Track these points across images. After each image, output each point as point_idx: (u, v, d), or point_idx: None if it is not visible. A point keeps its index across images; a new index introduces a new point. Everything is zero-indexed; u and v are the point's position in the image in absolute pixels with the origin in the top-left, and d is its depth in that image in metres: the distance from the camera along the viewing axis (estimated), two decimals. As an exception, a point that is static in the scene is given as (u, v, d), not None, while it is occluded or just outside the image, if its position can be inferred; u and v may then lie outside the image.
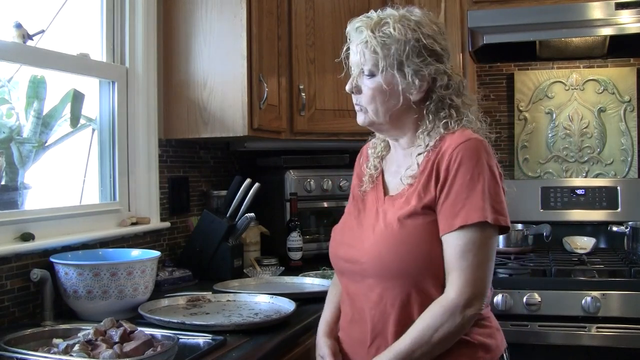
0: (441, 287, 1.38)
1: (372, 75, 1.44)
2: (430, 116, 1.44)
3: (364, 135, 1.66)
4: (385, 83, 1.42)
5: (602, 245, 3.10)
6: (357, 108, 1.50)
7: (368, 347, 1.43)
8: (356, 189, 1.59)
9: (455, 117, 1.44)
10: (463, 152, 1.37)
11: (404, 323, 1.38)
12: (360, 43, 1.44)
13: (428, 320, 1.34)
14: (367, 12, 1.50)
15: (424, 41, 1.41)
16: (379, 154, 1.58)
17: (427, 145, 1.43)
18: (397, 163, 1.53)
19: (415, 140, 1.48)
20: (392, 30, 1.41)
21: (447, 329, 1.33)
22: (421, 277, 1.38)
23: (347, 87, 1.49)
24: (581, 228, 3.11)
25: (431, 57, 1.42)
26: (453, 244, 1.35)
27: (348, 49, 1.50)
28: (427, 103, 1.45)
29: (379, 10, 1.46)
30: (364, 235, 1.46)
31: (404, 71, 1.41)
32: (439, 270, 1.38)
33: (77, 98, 2.22)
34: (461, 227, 1.34)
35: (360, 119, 1.50)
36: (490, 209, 1.34)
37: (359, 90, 1.47)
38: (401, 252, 1.37)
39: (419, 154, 1.44)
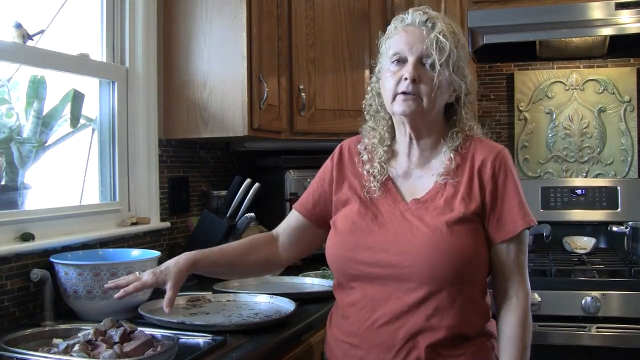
0: (481, 291, 1.49)
1: (433, 68, 1.44)
2: (464, 118, 1.52)
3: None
4: (448, 78, 1.46)
5: (602, 245, 3.10)
6: (405, 97, 1.45)
7: (397, 351, 1.42)
8: (357, 190, 1.54)
9: (476, 121, 1.56)
10: (503, 162, 1.48)
11: (444, 325, 1.40)
12: (437, 33, 1.43)
13: (517, 329, 1.44)
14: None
15: (466, 48, 1.50)
16: (382, 158, 1.55)
17: (456, 145, 1.50)
18: (410, 166, 1.53)
19: (440, 141, 1.52)
20: (455, 31, 1.47)
21: (530, 328, 1.47)
22: (469, 281, 1.44)
23: (411, 74, 1.43)
24: (581, 228, 3.11)
25: (467, 64, 1.51)
26: (509, 250, 1.47)
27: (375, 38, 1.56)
28: (459, 105, 1.52)
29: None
30: (399, 239, 1.44)
31: (460, 72, 1.47)
32: (483, 275, 1.49)
33: (77, 98, 2.22)
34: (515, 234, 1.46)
35: (410, 106, 1.44)
36: (529, 212, 1.47)
37: (419, 79, 1.44)
38: (454, 258, 1.39)
39: (450, 151, 1.49)
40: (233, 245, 1.74)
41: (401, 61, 1.46)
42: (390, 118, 1.56)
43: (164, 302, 1.48)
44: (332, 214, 1.59)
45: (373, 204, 1.51)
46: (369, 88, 1.62)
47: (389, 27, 1.54)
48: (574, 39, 2.90)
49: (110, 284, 1.52)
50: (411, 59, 1.45)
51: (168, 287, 1.50)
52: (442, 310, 1.40)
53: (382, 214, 1.49)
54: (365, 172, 1.55)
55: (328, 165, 1.65)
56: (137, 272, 1.55)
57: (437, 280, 1.39)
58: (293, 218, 1.69)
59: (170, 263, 1.56)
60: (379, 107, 1.58)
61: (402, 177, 1.54)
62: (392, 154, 1.57)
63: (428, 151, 1.53)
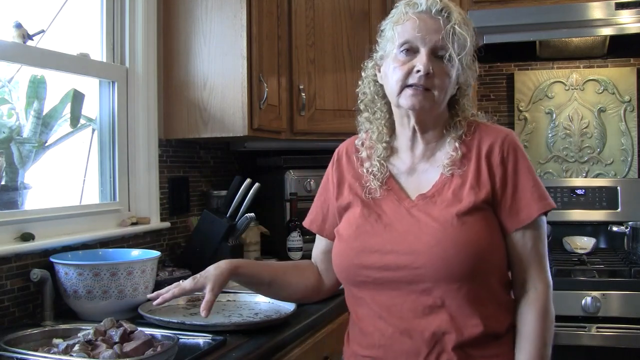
0: (503, 284, 1.40)
1: (449, 60, 1.35)
2: (466, 106, 1.44)
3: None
4: (458, 71, 1.38)
5: (602, 245, 3.10)
6: (415, 90, 1.35)
7: (425, 357, 1.33)
8: (358, 192, 1.45)
9: (473, 107, 1.47)
10: (511, 145, 1.39)
11: (470, 324, 1.32)
12: (454, 25, 1.34)
13: (535, 324, 1.36)
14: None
15: (475, 38, 1.41)
16: (380, 155, 1.45)
17: (459, 134, 1.41)
18: (414, 160, 1.44)
19: (444, 131, 1.44)
20: (467, 21, 1.38)
21: (551, 323, 1.38)
22: (488, 274, 1.35)
23: (426, 67, 1.33)
24: (581, 228, 3.11)
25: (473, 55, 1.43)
26: (525, 239, 1.38)
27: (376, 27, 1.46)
28: (461, 95, 1.44)
29: None
30: (408, 238, 1.34)
31: (469, 65, 1.40)
32: (503, 267, 1.40)
33: (77, 98, 2.22)
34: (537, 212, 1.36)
35: (420, 101, 1.35)
36: (545, 195, 1.38)
37: (433, 72, 1.35)
38: (469, 251, 1.30)
39: (455, 140, 1.41)
40: (278, 262, 1.68)
41: (411, 51, 1.36)
42: (389, 110, 1.47)
43: (202, 305, 1.41)
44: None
45: (376, 204, 1.42)
46: (363, 74, 1.51)
47: (396, 11, 1.42)
48: (574, 39, 2.89)
49: (153, 294, 1.48)
50: (424, 50, 1.34)
51: (207, 289, 1.42)
52: (464, 308, 1.31)
53: (387, 213, 1.40)
54: (364, 171, 1.47)
55: (328, 172, 1.56)
56: (180, 281, 1.49)
57: (454, 277, 1.30)
58: (318, 242, 1.60)
59: (212, 267, 1.48)
60: (375, 96, 1.48)
61: (406, 174, 1.44)
62: (391, 150, 1.47)
63: (433, 143, 1.43)
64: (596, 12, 2.70)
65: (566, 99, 3.27)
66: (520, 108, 3.32)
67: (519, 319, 1.39)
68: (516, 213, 1.37)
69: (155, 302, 1.47)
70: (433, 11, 1.36)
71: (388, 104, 1.46)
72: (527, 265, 1.39)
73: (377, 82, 1.47)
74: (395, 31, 1.39)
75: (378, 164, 1.45)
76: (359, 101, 1.52)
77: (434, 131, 1.43)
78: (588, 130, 3.25)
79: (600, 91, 3.23)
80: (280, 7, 2.61)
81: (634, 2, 2.65)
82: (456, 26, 1.35)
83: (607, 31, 2.72)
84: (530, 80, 3.31)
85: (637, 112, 3.19)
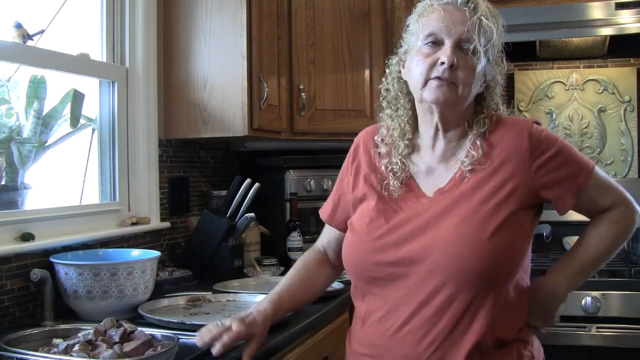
0: (516, 288, 1.35)
1: (474, 54, 1.31)
2: (494, 105, 1.40)
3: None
4: (483, 65, 1.33)
5: (602, 245, 3.09)
6: (439, 82, 1.31)
7: None
8: (374, 184, 1.43)
9: (501, 103, 1.43)
10: (536, 136, 1.35)
11: (476, 329, 1.27)
12: (481, 16, 1.31)
13: (607, 226, 1.43)
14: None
15: (504, 34, 1.38)
16: (402, 153, 1.42)
17: (482, 132, 1.37)
18: (433, 159, 1.41)
19: (466, 128, 1.39)
20: (495, 14, 1.35)
21: (628, 229, 1.46)
22: (502, 277, 1.30)
23: (450, 59, 1.29)
24: (581, 228, 3.08)
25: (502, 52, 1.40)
26: (587, 195, 1.39)
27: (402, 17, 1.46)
28: (489, 94, 1.40)
29: None
30: (423, 233, 1.31)
31: (496, 61, 1.37)
32: (518, 269, 1.35)
33: (77, 98, 2.22)
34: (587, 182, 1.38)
35: (444, 92, 1.31)
36: (584, 159, 1.40)
37: (457, 65, 1.31)
38: (484, 250, 1.26)
39: (476, 138, 1.37)
40: (295, 283, 1.56)
41: (436, 43, 1.33)
42: (412, 107, 1.43)
43: (246, 351, 1.39)
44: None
45: (392, 200, 1.39)
46: (387, 71, 1.47)
47: (422, 4, 1.39)
48: (574, 39, 2.90)
49: (206, 339, 1.39)
50: (448, 42, 1.31)
51: (253, 341, 1.41)
52: (471, 312, 1.27)
53: (403, 210, 1.36)
54: (382, 167, 1.43)
55: (345, 163, 1.54)
56: (218, 322, 1.42)
57: (465, 277, 1.26)
58: (329, 230, 1.59)
59: (258, 316, 1.44)
60: (398, 93, 1.45)
61: (425, 173, 1.41)
62: (413, 148, 1.43)
63: (454, 142, 1.39)
64: (596, 12, 2.70)
65: (566, 99, 3.27)
66: (520, 108, 3.32)
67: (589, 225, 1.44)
68: (571, 184, 1.37)
69: (216, 352, 1.38)
70: (459, 2, 1.33)
71: (412, 101, 1.43)
72: (600, 209, 1.43)
73: (401, 79, 1.44)
74: (419, 24, 1.37)
75: (399, 162, 1.41)
76: (381, 98, 1.49)
77: (456, 130, 1.40)
78: (588, 130, 3.25)
79: (600, 91, 3.23)
80: (280, 7, 2.61)
81: (634, 2, 2.65)
82: (483, 18, 1.31)
83: (607, 31, 2.73)
84: (530, 80, 3.31)
85: (637, 112, 3.20)
